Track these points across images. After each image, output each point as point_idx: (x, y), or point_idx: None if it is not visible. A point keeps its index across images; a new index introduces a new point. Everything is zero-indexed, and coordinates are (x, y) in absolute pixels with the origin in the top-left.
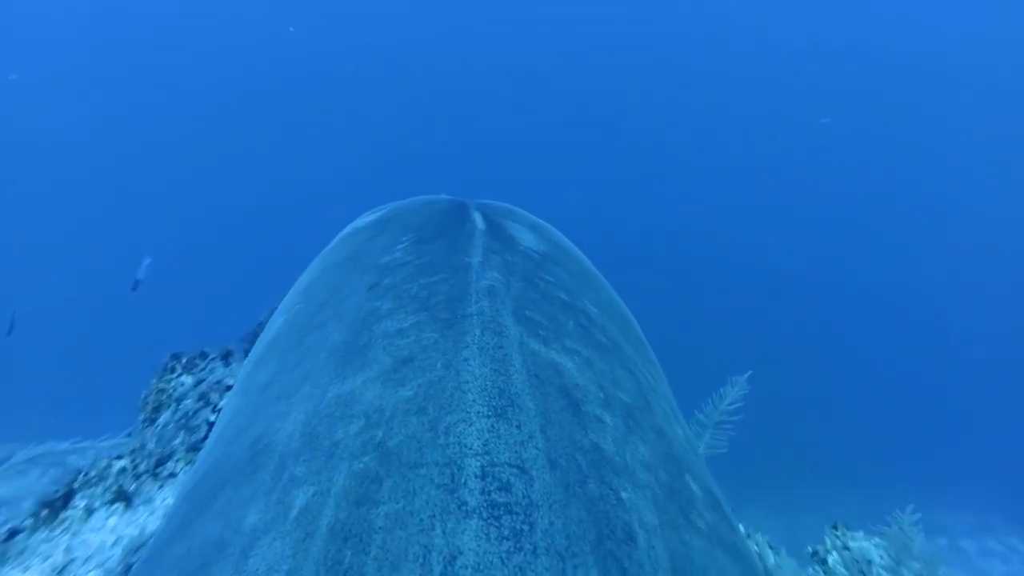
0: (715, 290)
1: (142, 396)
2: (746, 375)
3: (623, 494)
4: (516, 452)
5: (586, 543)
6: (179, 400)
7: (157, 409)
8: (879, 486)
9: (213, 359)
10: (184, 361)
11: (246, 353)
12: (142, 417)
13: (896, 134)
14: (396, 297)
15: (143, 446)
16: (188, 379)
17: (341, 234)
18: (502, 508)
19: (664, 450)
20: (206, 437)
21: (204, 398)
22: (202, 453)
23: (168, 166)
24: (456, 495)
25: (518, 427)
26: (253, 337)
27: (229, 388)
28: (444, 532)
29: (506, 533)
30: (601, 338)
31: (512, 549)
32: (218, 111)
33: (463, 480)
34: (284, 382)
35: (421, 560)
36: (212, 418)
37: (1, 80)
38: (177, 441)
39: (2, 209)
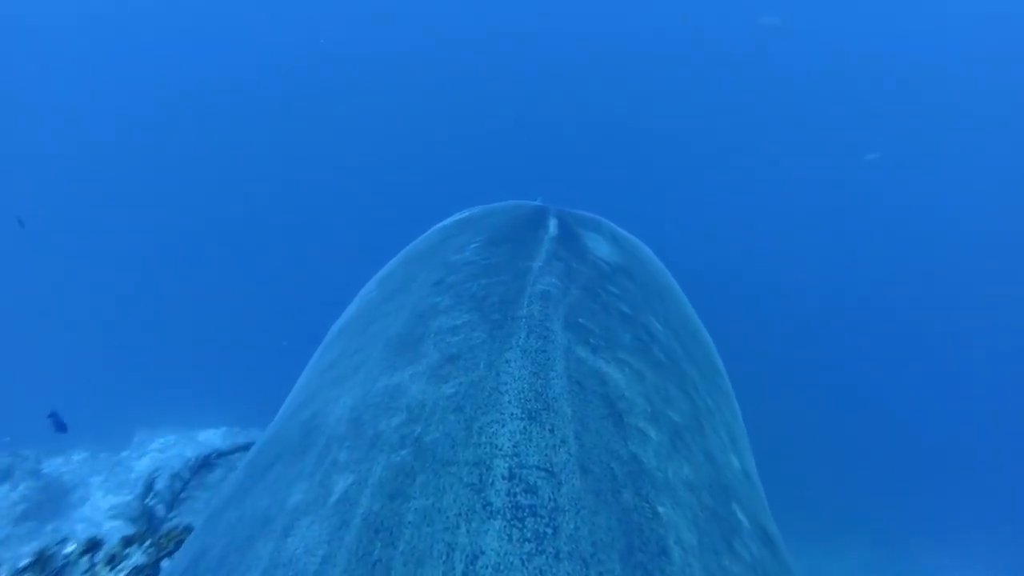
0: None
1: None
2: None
3: (660, 508)
4: (546, 455)
5: (614, 551)
6: None
7: None
8: (889, 535)
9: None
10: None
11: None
12: None
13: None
14: (456, 295)
15: None
16: None
17: (429, 230)
18: (526, 510)
19: (712, 475)
20: None
21: None
22: (270, 424)
23: (166, 168)
24: (482, 495)
25: (551, 431)
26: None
27: None
28: (468, 531)
29: (528, 535)
30: (659, 355)
31: (533, 551)
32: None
33: (490, 480)
34: (343, 366)
35: (444, 558)
36: None
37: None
38: None
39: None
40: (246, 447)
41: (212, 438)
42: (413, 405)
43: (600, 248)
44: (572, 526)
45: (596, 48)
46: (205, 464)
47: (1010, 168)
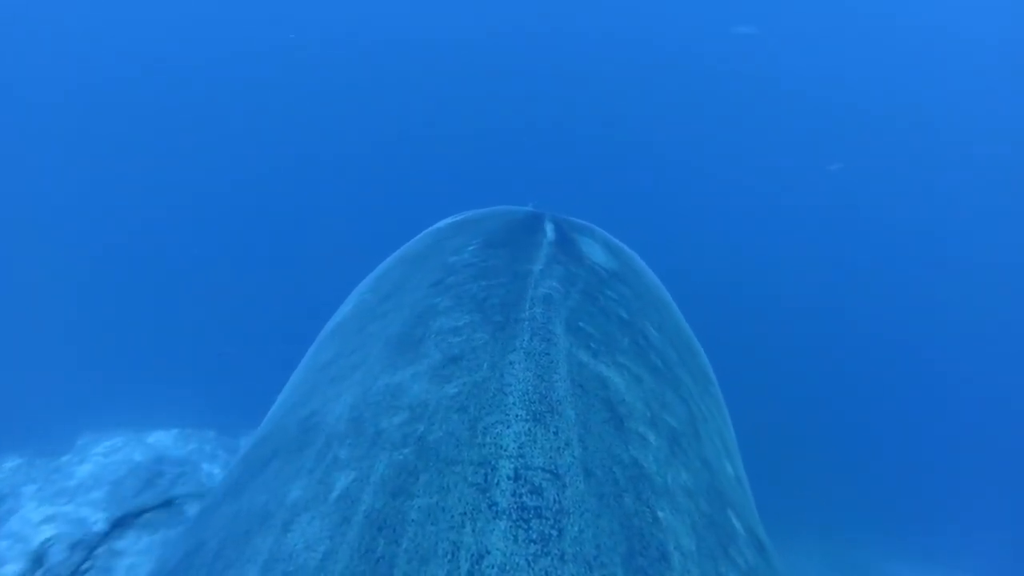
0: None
1: None
2: None
3: (660, 513)
4: (551, 457)
5: (616, 555)
6: None
7: None
8: (842, 527)
9: None
10: None
11: None
12: None
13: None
14: (455, 296)
15: None
16: None
17: (423, 232)
18: (532, 512)
19: (708, 481)
20: None
21: None
22: (263, 422)
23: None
24: (488, 495)
25: (555, 433)
26: None
27: None
28: (474, 531)
29: (534, 536)
30: (656, 361)
31: (539, 553)
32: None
33: (496, 481)
34: (341, 365)
35: (450, 556)
36: None
37: None
38: None
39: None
40: (167, 504)
41: (163, 440)
42: (415, 404)
43: (596, 254)
44: (576, 529)
45: (573, 56)
46: (120, 525)
47: (974, 173)
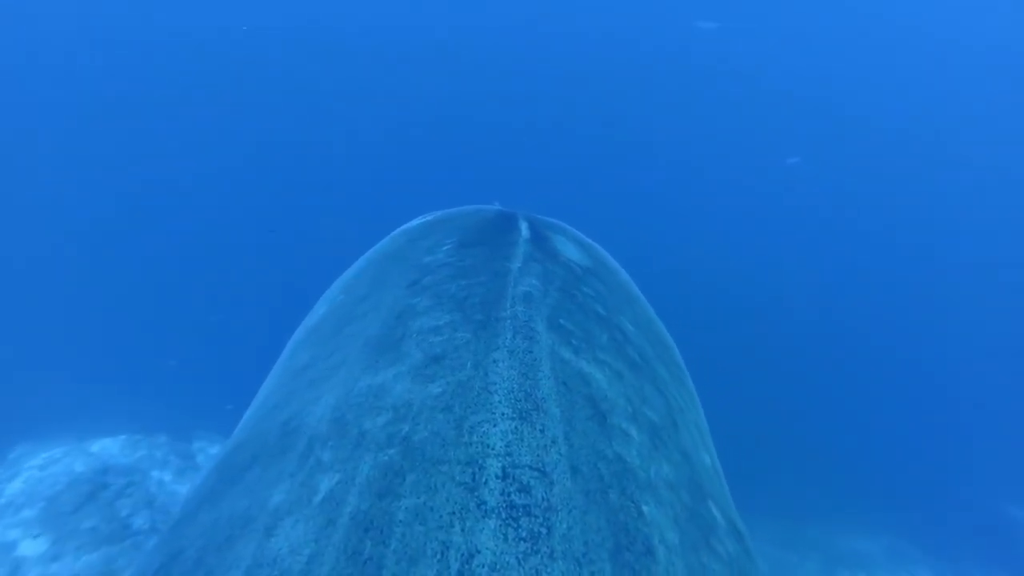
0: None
1: None
2: None
3: (644, 508)
4: (538, 456)
5: (604, 551)
6: None
7: None
8: (784, 503)
9: None
10: None
11: None
12: None
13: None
14: (434, 296)
15: None
16: None
17: (392, 233)
18: (521, 510)
19: (688, 473)
20: None
21: None
22: (236, 430)
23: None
24: (476, 494)
25: (542, 431)
26: None
27: None
28: (463, 530)
29: (524, 535)
30: (634, 355)
31: (529, 551)
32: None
33: (484, 480)
34: (319, 368)
35: (439, 556)
36: None
37: None
38: None
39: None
40: (110, 519)
41: (109, 448)
42: (399, 404)
43: (569, 251)
44: (565, 526)
45: (535, 52)
46: (56, 544)
47: (950, 167)
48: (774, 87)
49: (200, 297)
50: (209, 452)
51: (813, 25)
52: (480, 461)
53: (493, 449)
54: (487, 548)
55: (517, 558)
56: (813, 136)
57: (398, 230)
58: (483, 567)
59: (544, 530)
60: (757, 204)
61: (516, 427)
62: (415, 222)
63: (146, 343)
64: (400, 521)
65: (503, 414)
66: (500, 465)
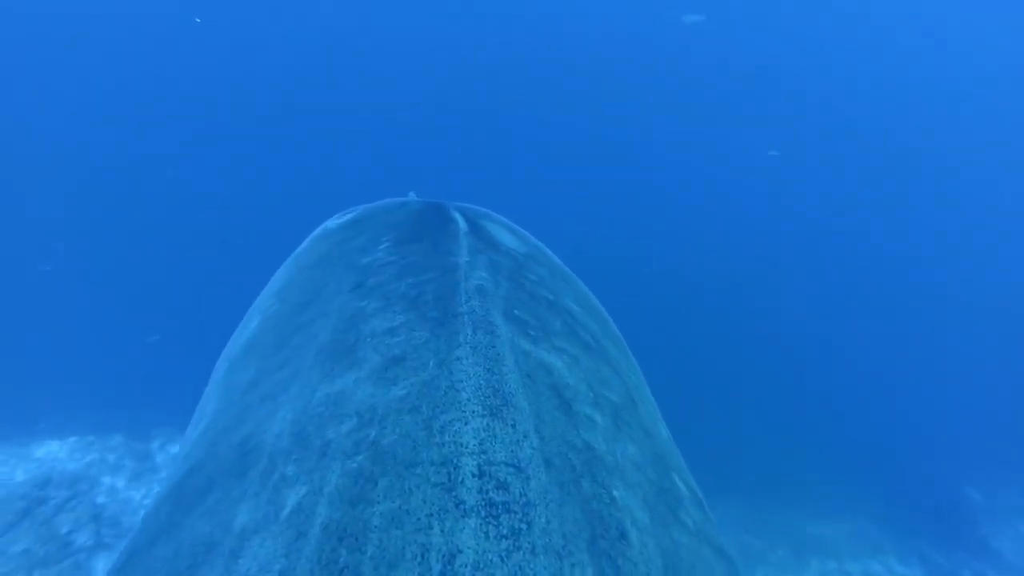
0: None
1: None
2: None
3: (615, 492)
4: (512, 451)
5: (581, 542)
6: None
7: None
8: (751, 491)
9: None
10: None
11: None
12: None
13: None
14: (382, 296)
15: None
16: None
17: (312, 235)
18: (500, 507)
19: (652, 449)
20: None
21: None
22: (180, 456)
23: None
24: (453, 494)
25: (513, 426)
26: None
27: None
28: (443, 531)
29: (505, 532)
30: (586, 337)
31: (511, 548)
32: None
33: (460, 479)
34: (269, 383)
35: (419, 559)
36: None
37: None
38: None
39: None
40: (48, 540)
41: (56, 452)
42: (362, 410)
43: (506, 238)
44: (544, 520)
45: (514, 46)
46: None
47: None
48: (760, 80)
49: (157, 286)
50: (170, 451)
51: (801, 17)
52: (455, 460)
53: (467, 447)
54: (469, 547)
55: (500, 556)
56: (799, 130)
57: (317, 232)
58: (466, 567)
59: (524, 526)
60: (740, 197)
61: (488, 424)
62: (333, 222)
63: (101, 337)
64: (376, 527)
65: (473, 411)
66: (476, 463)
